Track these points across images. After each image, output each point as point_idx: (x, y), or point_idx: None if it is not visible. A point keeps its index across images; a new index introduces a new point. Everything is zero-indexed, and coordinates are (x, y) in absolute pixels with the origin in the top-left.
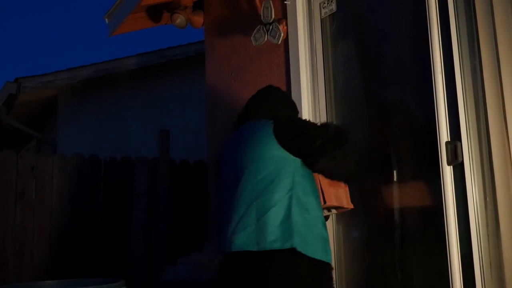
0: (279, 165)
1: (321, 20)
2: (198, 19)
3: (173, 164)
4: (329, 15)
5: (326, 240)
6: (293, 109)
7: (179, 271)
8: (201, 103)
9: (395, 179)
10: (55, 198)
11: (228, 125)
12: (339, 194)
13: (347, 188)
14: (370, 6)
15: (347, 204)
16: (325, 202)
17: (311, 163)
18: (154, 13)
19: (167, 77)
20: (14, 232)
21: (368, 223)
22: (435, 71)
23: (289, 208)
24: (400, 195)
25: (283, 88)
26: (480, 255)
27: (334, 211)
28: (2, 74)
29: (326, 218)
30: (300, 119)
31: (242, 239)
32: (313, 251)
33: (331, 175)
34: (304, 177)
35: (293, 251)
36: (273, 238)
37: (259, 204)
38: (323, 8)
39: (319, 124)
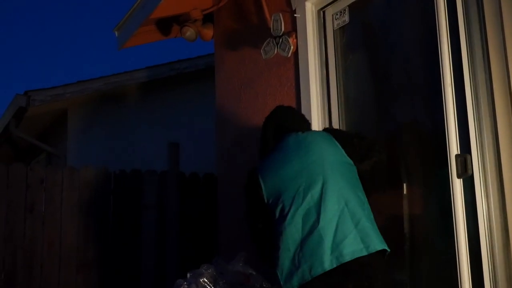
0: (350, 169)
1: (333, 32)
2: (208, 32)
3: (183, 177)
4: (339, 27)
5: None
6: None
7: (188, 285)
8: (210, 116)
9: (404, 192)
10: (65, 211)
11: (237, 138)
12: None
13: None
14: (380, 19)
15: None
16: None
17: (366, 164)
18: (164, 26)
19: (177, 90)
20: (24, 245)
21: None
22: (445, 84)
23: (369, 210)
24: (410, 208)
25: (293, 101)
26: (490, 268)
27: None
28: (11, 87)
29: None
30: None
31: (351, 247)
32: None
33: (370, 178)
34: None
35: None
36: (375, 238)
37: (351, 208)
38: (336, 19)
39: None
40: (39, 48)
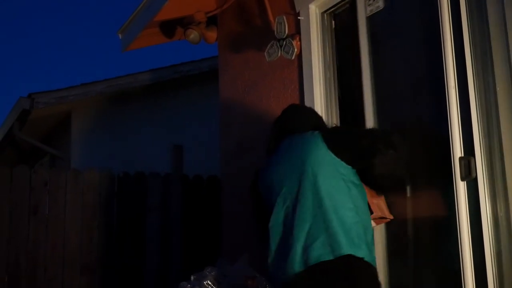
0: (334, 173)
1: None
2: (212, 35)
3: (186, 179)
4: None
5: (372, 248)
6: (322, 120)
7: (193, 286)
8: (214, 119)
9: (408, 195)
10: (68, 214)
11: (241, 140)
12: (381, 205)
13: (383, 198)
14: (383, 22)
15: (388, 214)
16: (372, 213)
17: (363, 164)
18: (167, 28)
19: (181, 92)
20: (27, 247)
21: (382, 238)
22: (449, 86)
23: (352, 216)
24: (414, 211)
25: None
26: (494, 272)
27: (373, 223)
28: (15, 90)
29: None
30: (345, 127)
31: (318, 251)
32: (368, 257)
33: (383, 180)
34: (356, 186)
35: (362, 258)
36: (344, 243)
37: (324, 212)
38: (368, 5)
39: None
40: (43, 50)
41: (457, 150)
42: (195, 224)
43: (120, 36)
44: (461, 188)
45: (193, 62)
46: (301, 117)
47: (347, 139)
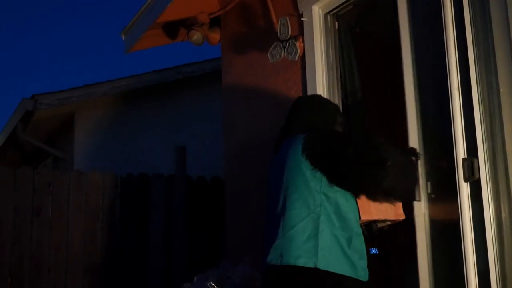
0: (307, 180)
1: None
2: (215, 36)
3: (190, 180)
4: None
5: (357, 256)
6: (330, 116)
7: None
8: (217, 120)
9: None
10: (72, 215)
11: (244, 141)
12: (382, 207)
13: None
14: (385, 24)
15: (395, 215)
16: (359, 218)
17: (340, 178)
18: (170, 29)
19: (184, 93)
20: (31, 249)
21: (386, 239)
22: (452, 87)
23: (316, 226)
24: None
25: None
26: (497, 272)
27: (388, 222)
28: (18, 91)
29: (381, 229)
30: (330, 131)
31: (272, 254)
32: (338, 268)
33: (373, 194)
34: (337, 192)
35: (316, 269)
36: (297, 254)
37: (286, 218)
38: None
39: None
40: (46, 51)
41: (460, 151)
42: (198, 225)
43: (123, 37)
44: (464, 189)
45: (196, 63)
46: (299, 117)
47: (324, 147)
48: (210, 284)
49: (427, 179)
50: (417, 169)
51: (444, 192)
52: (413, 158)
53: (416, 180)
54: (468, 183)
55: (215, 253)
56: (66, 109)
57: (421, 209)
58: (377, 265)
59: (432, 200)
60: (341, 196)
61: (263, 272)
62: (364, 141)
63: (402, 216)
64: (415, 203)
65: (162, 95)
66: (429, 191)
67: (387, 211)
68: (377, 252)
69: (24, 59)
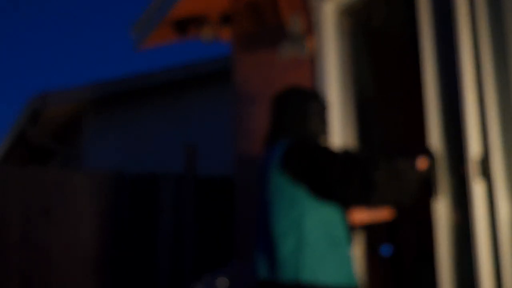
0: (290, 192)
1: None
2: (225, 33)
3: (199, 180)
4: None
5: (344, 265)
6: (299, 111)
7: None
8: (228, 118)
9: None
10: (80, 214)
11: (255, 140)
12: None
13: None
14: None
15: (385, 217)
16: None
17: (325, 196)
18: (181, 27)
19: (194, 91)
20: (39, 248)
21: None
22: (465, 85)
23: (299, 238)
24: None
25: None
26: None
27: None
28: (28, 89)
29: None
30: (313, 145)
31: (261, 267)
32: (326, 278)
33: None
34: (317, 202)
35: (301, 283)
36: (283, 268)
37: (273, 232)
38: None
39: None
40: (55, 49)
41: (473, 149)
42: (207, 224)
43: (133, 35)
44: (476, 187)
45: (206, 62)
46: (274, 120)
47: (311, 165)
48: (219, 284)
49: (448, 177)
50: (416, 173)
51: (460, 190)
52: (428, 159)
53: (411, 187)
54: (481, 181)
55: (224, 253)
56: (75, 108)
57: (441, 208)
58: (388, 267)
59: (451, 198)
60: (323, 207)
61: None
62: (350, 159)
63: (390, 217)
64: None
65: (172, 93)
66: (447, 190)
67: (376, 214)
68: (390, 252)
69: (34, 57)
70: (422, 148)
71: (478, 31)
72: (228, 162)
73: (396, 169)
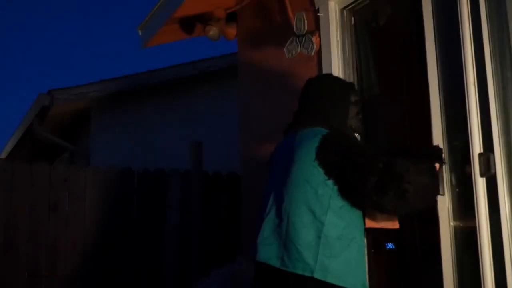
0: (317, 186)
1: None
2: (231, 31)
3: (206, 176)
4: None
5: (358, 267)
6: (342, 99)
7: (211, 284)
8: (234, 115)
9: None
10: (88, 210)
11: (260, 136)
12: (386, 217)
13: None
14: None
15: (392, 225)
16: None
17: (357, 204)
18: (187, 25)
19: (200, 89)
20: (47, 244)
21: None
22: (468, 82)
23: (318, 234)
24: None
25: None
26: None
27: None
28: (35, 86)
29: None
30: (350, 140)
31: (269, 252)
32: (337, 278)
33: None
34: (343, 200)
35: (313, 278)
36: (296, 260)
37: (291, 222)
38: None
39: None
40: (62, 46)
41: (476, 146)
42: (214, 221)
43: (140, 32)
44: (480, 184)
45: (212, 59)
46: (309, 105)
47: (347, 167)
48: (226, 280)
49: (451, 175)
50: (437, 186)
51: (466, 188)
52: (438, 163)
53: (434, 198)
54: (484, 178)
55: (231, 249)
56: (82, 104)
57: (445, 203)
58: (393, 262)
59: (456, 194)
60: (347, 206)
61: (255, 265)
62: (387, 168)
63: (396, 226)
64: (439, 198)
65: (179, 90)
66: (452, 186)
67: (385, 221)
68: (394, 247)
69: (41, 55)
70: (433, 150)
71: (480, 29)
72: (235, 158)
73: (424, 183)
